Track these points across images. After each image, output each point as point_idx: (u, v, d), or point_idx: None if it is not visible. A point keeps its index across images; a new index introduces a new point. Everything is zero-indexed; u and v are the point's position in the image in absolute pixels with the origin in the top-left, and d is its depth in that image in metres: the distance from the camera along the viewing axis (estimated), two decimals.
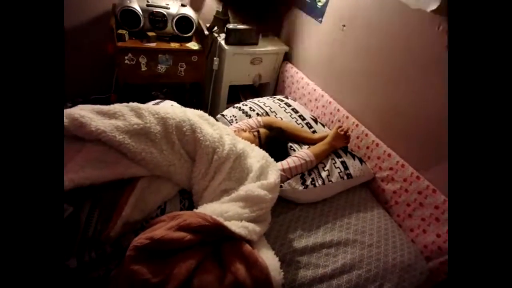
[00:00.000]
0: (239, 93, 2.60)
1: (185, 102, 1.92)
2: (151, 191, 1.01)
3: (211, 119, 1.23)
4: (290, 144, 1.62)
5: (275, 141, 1.48)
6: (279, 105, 1.88)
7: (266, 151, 1.28)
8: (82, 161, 0.91)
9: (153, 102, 1.60)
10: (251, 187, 1.07)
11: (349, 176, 1.49)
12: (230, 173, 1.12)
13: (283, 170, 1.34)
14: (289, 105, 1.90)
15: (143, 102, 1.27)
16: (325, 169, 1.45)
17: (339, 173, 1.47)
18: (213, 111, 2.36)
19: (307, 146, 1.60)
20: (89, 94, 2.25)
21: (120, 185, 0.96)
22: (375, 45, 1.58)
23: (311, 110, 2.08)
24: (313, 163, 1.42)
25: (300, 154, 1.41)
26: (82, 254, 0.88)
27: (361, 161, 1.58)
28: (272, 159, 1.25)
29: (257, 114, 1.80)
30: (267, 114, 1.82)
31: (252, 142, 1.35)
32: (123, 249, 0.86)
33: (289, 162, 1.37)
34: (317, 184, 1.38)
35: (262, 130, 1.47)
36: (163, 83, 2.35)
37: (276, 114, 1.82)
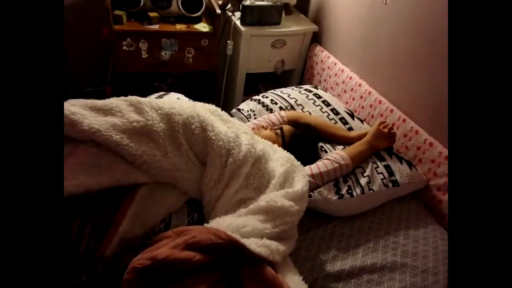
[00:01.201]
0: (258, 83, 2.60)
1: (194, 94, 1.92)
2: (154, 201, 1.02)
3: (225, 114, 1.25)
4: (320, 144, 1.60)
5: (303, 140, 1.47)
6: (306, 97, 1.87)
7: (292, 153, 1.28)
8: (73, 166, 0.91)
9: (156, 95, 1.62)
10: (273, 197, 1.07)
11: (395, 183, 1.46)
12: (248, 179, 1.13)
13: (313, 175, 1.35)
14: (318, 97, 1.89)
15: (144, 95, 1.28)
16: (365, 174, 1.44)
17: (382, 179, 1.45)
18: (227, 105, 2.37)
19: (341, 147, 1.58)
20: (81, 87, 2.29)
21: (118, 194, 0.97)
22: (425, 22, 1.54)
23: (346, 103, 2.05)
24: (349, 167, 1.41)
25: (334, 156, 1.41)
26: (71, 277, 0.89)
27: (410, 165, 1.55)
28: (299, 163, 1.25)
29: (280, 108, 1.79)
30: (292, 108, 1.80)
31: (274, 142, 1.36)
32: (120, 271, 0.86)
33: (320, 166, 1.38)
34: (354, 194, 1.38)
35: (286, 127, 1.47)
36: (167, 73, 2.38)
37: (303, 107, 1.81)
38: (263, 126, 1.51)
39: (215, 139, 1.09)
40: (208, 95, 2.41)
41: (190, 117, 1.09)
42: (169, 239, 0.92)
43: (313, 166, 1.38)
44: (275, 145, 1.31)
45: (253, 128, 1.50)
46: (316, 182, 1.35)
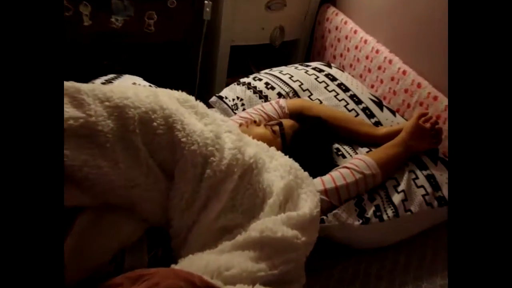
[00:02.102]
0: (247, 61, 2.58)
1: (157, 77, 1.91)
2: (99, 233, 1.02)
3: (201, 106, 1.26)
4: (336, 145, 1.60)
5: (311, 140, 1.48)
6: (315, 79, 1.86)
7: (295, 159, 1.30)
8: None
9: (102, 79, 1.61)
10: (270, 224, 1.08)
11: (441, 201, 1.45)
12: (234, 199, 1.15)
13: (326, 191, 1.36)
14: (333, 78, 1.88)
15: (86, 80, 1.26)
16: (399, 189, 1.44)
17: (423, 196, 1.44)
18: (204, 91, 2.37)
19: (365, 150, 1.58)
20: None
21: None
22: None
23: (372, 87, 2.05)
24: (377, 178, 1.41)
25: (355, 163, 1.42)
26: None
27: None
28: (306, 173, 1.27)
29: (279, 96, 1.79)
30: (295, 94, 1.81)
31: (270, 144, 1.37)
32: None
33: (336, 177, 1.39)
34: (385, 216, 1.38)
35: (287, 123, 1.50)
36: (120, 46, 2.35)
37: (311, 93, 1.81)
38: (254, 121, 1.52)
39: (187, 141, 1.09)
40: (177, 78, 2.41)
41: (150, 111, 1.09)
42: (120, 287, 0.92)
43: (326, 178, 1.39)
44: (272, 148, 1.33)
45: (240, 125, 1.50)
46: (330, 200, 1.36)
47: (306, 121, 1.53)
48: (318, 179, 1.37)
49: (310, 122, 1.53)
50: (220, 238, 1.09)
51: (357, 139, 1.62)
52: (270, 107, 1.64)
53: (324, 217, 1.34)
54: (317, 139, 1.50)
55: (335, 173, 1.40)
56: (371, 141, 1.61)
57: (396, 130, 1.58)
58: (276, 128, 1.46)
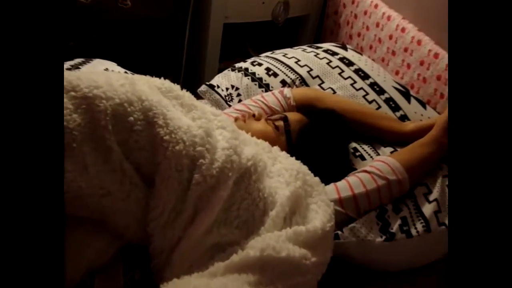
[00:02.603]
0: (245, 42, 2.60)
1: (134, 62, 1.90)
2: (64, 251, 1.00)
3: (188, 96, 1.28)
4: (353, 144, 1.61)
5: (323, 138, 1.49)
6: (328, 63, 1.88)
7: (303, 161, 1.32)
8: None
9: (68, 64, 1.61)
10: (272, 241, 1.08)
11: None
12: (228, 210, 1.15)
13: (341, 201, 1.37)
14: (348, 63, 1.89)
15: None
16: (431, 198, 1.44)
17: None
18: (192, 78, 2.38)
19: (389, 150, 1.59)
20: None
21: None
22: None
23: (396, 73, 2.05)
24: (403, 185, 1.42)
25: (377, 166, 1.43)
26: None
27: None
28: (317, 178, 1.29)
29: (283, 84, 1.80)
30: (302, 82, 1.81)
31: (273, 142, 1.40)
32: None
33: (353, 183, 1.40)
34: (413, 232, 1.38)
35: (293, 116, 1.52)
36: (89, 24, 2.34)
37: (323, 81, 1.82)
38: (253, 115, 1.53)
39: (170, 140, 1.09)
40: (159, 63, 2.41)
41: (126, 103, 1.09)
42: None
43: (342, 184, 1.40)
44: (275, 148, 1.35)
45: (236, 119, 1.50)
46: (346, 212, 1.37)
47: (316, 115, 1.54)
48: (331, 186, 1.38)
49: (322, 116, 1.54)
50: (212, 258, 1.09)
51: (379, 137, 1.63)
52: (272, 98, 1.64)
53: (339, 232, 1.34)
54: (330, 136, 1.51)
55: (352, 178, 1.41)
56: (396, 139, 1.61)
57: (426, 125, 1.58)
58: (280, 123, 1.47)
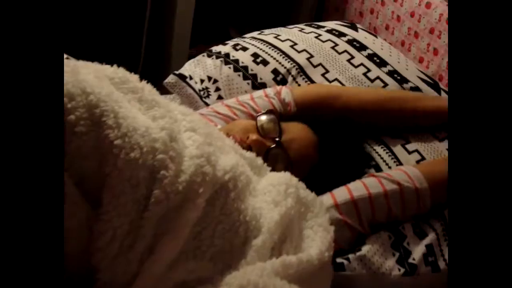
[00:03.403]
0: (225, 20, 2.63)
1: (77, 43, 1.90)
2: None
3: (148, 90, 1.28)
4: (370, 145, 1.65)
5: (334, 161, 1.53)
6: (333, 47, 1.90)
7: (305, 178, 1.35)
8: None
9: None
10: (254, 275, 1.09)
11: None
12: (198, 237, 1.15)
13: (337, 206, 1.41)
14: (360, 46, 1.91)
15: None
16: None
17: None
18: (154, 66, 2.39)
19: (415, 158, 1.61)
20: None
21: None
22: None
23: (420, 60, 2.07)
24: (421, 195, 1.45)
25: (390, 172, 1.50)
26: None
27: None
28: (313, 194, 1.32)
29: (275, 75, 1.81)
30: (300, 72, 1.83)
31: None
32: None
33: (354, 188, 1.46)
34: (441, 265, 1.40)
35: (292, 134, 1.52)
36: None
37: (327, 70, 1.83)
38: (249, 147, 1.48)
39: (123, 145, 1.09)
40: (110, 45, 2.39)
41: (66, 97, 1.07)
42: None
43: (339, 190, 1.45)
44: (259, 160, 1.37)
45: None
46: (344, 219, 1.39)
47: (327, 122, 1.58)
48: (326, 194, 1.42)
49: (338, 124, 1.59)
50: None
51: (423, 124, 1.67)
52: (265, 103, 1.65)
53: (345, 262, 1.34)
54: (342, 157, 1.57)
55: (354, 183, 1.45)
56: (443, 118, 1.62)
57: None
58: (275, 152, 1.46)
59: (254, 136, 1.46)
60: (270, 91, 1.69)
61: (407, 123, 1.67)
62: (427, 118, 1.66)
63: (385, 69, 1.85)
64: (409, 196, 1.42)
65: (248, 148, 1.44)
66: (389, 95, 1.69)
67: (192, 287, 1.11)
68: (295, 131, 1.52)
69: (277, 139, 1.47)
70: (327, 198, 1.39)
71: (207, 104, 1.74)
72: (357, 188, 1.41)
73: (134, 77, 1.26)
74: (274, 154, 1.45)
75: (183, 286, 1.11)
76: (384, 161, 1.61)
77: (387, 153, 1.63)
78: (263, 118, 1.53)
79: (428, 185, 1.43)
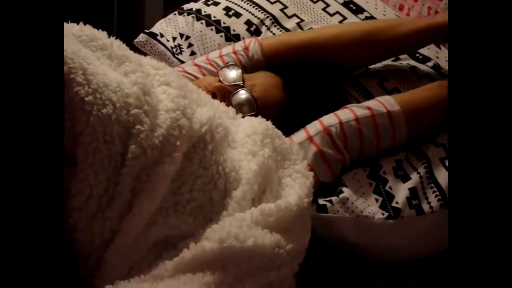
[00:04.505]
0: None
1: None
2: None
3: (117, 45, 1.27)
4: (345, 88, 1.66)
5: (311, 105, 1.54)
6: None
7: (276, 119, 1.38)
8: None
9: None
10: (234, 227, 1.10)
11: None
12: (177, 192, 1.16)
13: (310, 139, 1.43)
14: None
15: None
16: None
17: None
18: (126, 24, 2.38)
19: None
20: None
21: None
22: None
23: (400, 8, 2.07)
24: (394, 119, 1.47)
25: (362, 103, 1.54)
26: None
27: None
28: (288, 141, 1.33)
29: (248, 25, 1.82)
30: (275, 23, 1.83)
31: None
32: None
33: (325, 119, 1.48)
34: (425, 208, 1.40)
35: (259, 79, 1.55)
36: None
37: (301, 19, 1.84)
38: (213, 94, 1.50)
39: (94, 101, 1.08)
40: (82, 7, 2.36)
41: None
42: None
43: (312, 124, 1.47)
44: (231, 109, 1.39)
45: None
46: (321, 148, 1.41)
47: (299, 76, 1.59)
48: (300, 130, 1.45)
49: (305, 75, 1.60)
50: (158, 256, 1.10)
51: (385, 54, 1.68)
52: (232, 59, 1.65)
53: (328, 204, 1.36)
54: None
55: (326, 116, 1.48)
56: (400, 49, 1.67)
57: (440, 25, 1.59)
58: (239, 94, 1.47)
59: (216, 83, 1.48)
60: (239, 46, 1.69)
61: (394, 52, 1.69)
62: (414, 39, 1.65)
63: (362, 16, 1.85)
64: (381, 120, 1.44)
65: (213, 95, 1.44)
66: (374, 26, 1.68)
67: (174, 243, 1.12)
68: (258, 76, 1.54)
69: (240, 83, 1.49)
70: (300, 133, 1.42)
71: (180, 61, 1.74)
72: (328, 118, 1.44)
73: (101, 34, 1.25)
74: (238, 96, 1.46)
75: (164, 243, 1.12)
76: (359, 101, 1.63)
77: (360, 93, 1.66)
78: (226, 69, 1.55)
79: (401, 108, 1.45)
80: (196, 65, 1.65)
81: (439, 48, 1.77)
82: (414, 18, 1.72)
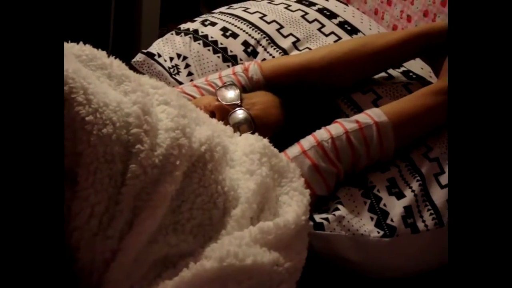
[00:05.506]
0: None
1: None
2: None
3: (116, 65, 1.27)
4: (339, 105, 1.66)
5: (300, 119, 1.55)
6: (303, 17, 1.89)
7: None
8: None
9: None
10: (234, 246, 1.10)
11: None
12: (177, 210, 1.16)
13: (305, 153, 1.44)
14: (330, 14, 1.91)
15: None
16: (442, 181, 1.46)
17: None
18: (124, 45, 2.39)
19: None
20: None
21: None
22: None
23: (394, 28, 2.07)
24: (382, 130, 1.47)
25: (350, 117, 1.54)
26: None
27: None
28: (285, 159, 1.34)
29: (245, 47, 1.82)
30: (271, 43, 1.83)
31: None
32: None
33: (318, 134, 1.49)
34: (420, 226, 1.40)
35: (258, 99, 1.56)
36: None
37: (297, 39, 1.84)
38: (212, 114, 1.50)
39: (94, 121, 1.08)
40: (78, 26, 2.34)
41: None
42: None
43: (305, 139, 1.48)
44: (229, 128, 1.40)
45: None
46: (314, 162, 1.41)
47: (297, 91, 1.60)
48: (294, 144, 1.46)
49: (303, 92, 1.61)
50: (158, 275, 1.09)
51: (377, 65, 1.70)
52: (231, 77, 1.66)
53: (324, 222, 1.36)
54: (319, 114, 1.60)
55: (319, 130, 1.48)
56: (389, 59, 1.69)
57: (426, 31, 1.64)
58: (238, 113, 1.48)
59: (216, 102, 1.48)
60: (238, 68, 1.70)
61: (385, 64, 1.71)
62: (400, 48, 1.67)
63: (356, 37, 1.86)
64: (369, 131, 1.45)
65: (212, 114, 1.45)
66: (363, 38, 1.73)
67: (174, 262, 1.12)
68: (257, 95, 1.55)
69: (238, 102, 1.49)
70: (294, 148, 1.43)
71: (177, 81, 1.74)
72: (320, 132, 1.45)
73: (101, 53, 1.25)
74: (236, 116, 1.46)
75: (164, 262, 1.12)
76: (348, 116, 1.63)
77: (352, 109, 1.66)
78: (224, 89, 1.55)
79: (389, 119, 1.46)
80: (195, 86, 1.66)
81: (430, 65, 1.77)
82: (400, 31, 1.75)
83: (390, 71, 1.77)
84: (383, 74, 1.77)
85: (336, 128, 1.45)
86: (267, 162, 1.25)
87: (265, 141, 1.31)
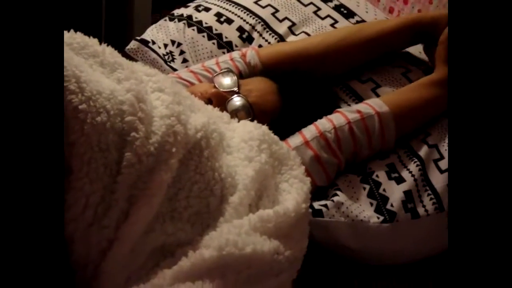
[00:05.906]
0: None
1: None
2: None
3: (109, 52, 1.27)
4: (337, 92, 1.66)
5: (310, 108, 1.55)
6: (298, 0, 1.89)
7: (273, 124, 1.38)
8: None
9: None
10: (233, 234, 1.09)
11: None
12: (174, 198, 1.15)
13: (308, 144, 1.45)
14: None
15: None
16: (442, 166, 1.46)
17: None
18: (116, 34, 2.38)
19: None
20: None
21: None
22: None
23: (390, 10, 2.07)
24: (383, 119, 1.48)
25: (352, 106, 1.57)
26: None
27: None
28: (285, 146, 1.34)
29: (240, 32, 1.81)
30: (266, 27, 1.83)
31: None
32: None
33: (320, 123, 1.50)
34: (420, 211, 1.40)
35: (255, 85, 1.57)
36: None
37: (293, 23, 1.83)
38: (209, 101, 1.50)
39: (88, 109, 1.07)
40: (69, 13, 2.33)
41: None
42: None
43: (307, 128, 1.50)
44: (225, 114, 1.39)
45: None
46: (317, 153, 1.43)
47: (295, 78, 1.60)
48: (296, 134, 1.48)
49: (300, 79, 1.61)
50: (156, 264, 1.09)
51: (373, 49, 1.70)
52: (229, 66, 1.66)
53: (323, 209, 1.38)
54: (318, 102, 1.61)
55: (320, 120, 1.50)
56: (382, 46, 1.71)
57: (418, 19, 1.65)
58: (235, 100, 1.49)
59: (212, 89, 1.48)
60: (235, 54, 1.70)
61: (378, 51, 1.71)
62: (395, 35, 1.69)
63: (353, 20, 1.85)
64: (371, 122, 1.47)
65: (209, 101, 1.44)
66: (358, 25, 1.74)
67: (172, 250, 1.12)
68: (254, 82, 1.55)
69: (235, 89, 1.49)
70: (296, 138, 1.44)
71: (172, 68, 1.74)
72: (322, 123, 1.46)
73: (93, 41, 1.24)
74: (234, 103, 1.47)
75: (162, 251, 1.12)
76: (349, 105, 1.64)
77: (351, 97, 1.67)
78: (221, 76, 1.55)
79: (390, 109, 1.48)
80: (192, 71, 1.66)
81: (427, 52, 1.76)
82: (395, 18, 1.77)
83: (389, 57, 1.77)
84: (381, 61, 1.76)
85: (338, 118, 1.46)
86: (267, 149, 1.25)
87: (264, 128, 1.30)
